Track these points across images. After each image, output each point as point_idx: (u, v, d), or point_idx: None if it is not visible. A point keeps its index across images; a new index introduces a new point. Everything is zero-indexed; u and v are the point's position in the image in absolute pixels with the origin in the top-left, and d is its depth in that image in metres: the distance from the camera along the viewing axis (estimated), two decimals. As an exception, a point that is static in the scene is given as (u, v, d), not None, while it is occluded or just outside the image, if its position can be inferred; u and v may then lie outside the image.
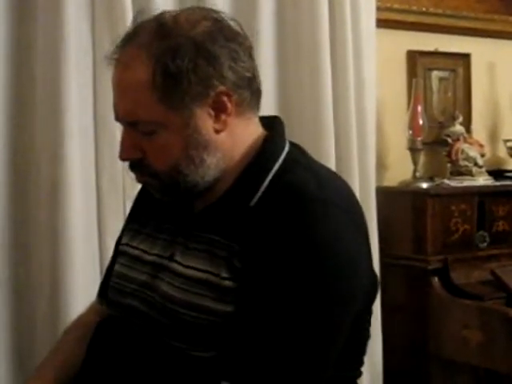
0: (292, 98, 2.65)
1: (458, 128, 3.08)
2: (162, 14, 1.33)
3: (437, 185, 2.91)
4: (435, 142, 3.13)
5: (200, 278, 1.29)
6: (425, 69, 3.16)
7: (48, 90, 2.21)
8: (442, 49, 3.18)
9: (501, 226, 2.91)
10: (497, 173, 3.11)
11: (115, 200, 2.29)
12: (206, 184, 1.33)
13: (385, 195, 2.86)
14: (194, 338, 1.28)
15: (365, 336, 1.43)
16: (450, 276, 2.71)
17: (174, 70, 1.26)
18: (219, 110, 1.30)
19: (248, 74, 1.32)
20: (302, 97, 2.64)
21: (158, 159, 1.31)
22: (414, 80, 3.03)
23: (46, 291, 2.21)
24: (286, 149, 1.37)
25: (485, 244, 2.86)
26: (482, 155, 3.07)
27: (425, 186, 2.89)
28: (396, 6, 3.05)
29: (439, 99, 3.21)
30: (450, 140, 3.05)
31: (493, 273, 2.74)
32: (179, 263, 1.33)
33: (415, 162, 2.95)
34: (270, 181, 1.31)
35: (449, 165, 3.05)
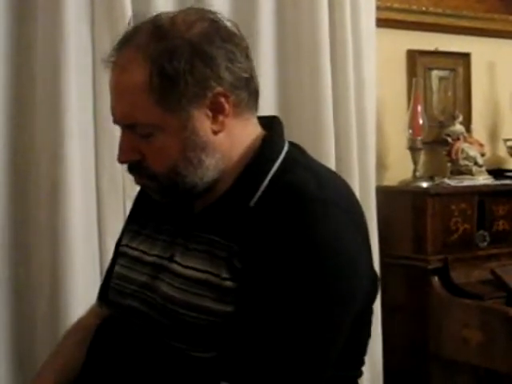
0: (292, 98, 2.65)
1: (458, 127, 3.08)
2: (159, 15, 1.33)
3: (437, 184, 2.91)
4: (435, 141, 3.13)
5: (200, 278, 1.29)
6: (425, 68, 3.16)
7: (48, 90, 2.21)
8: (441, 48, 3.18)
9: (501, 225, 2.92)
10: (497, 172, 3.11)
11: (115, 200, 2.29)
12: (205, 185, 1.33)
13: (385, 195, 2.86)
14: (194, 339, 1.28)
15: (365, 336, 1.43)
16: (450, 275, 2.71)
17: (170, 72, 1.26)
18: (217, 111, 1.30)
19: (245, 75, 1.32)
20: (302, 97, 2.64)
21: (156, 161, 1.31)
22: (413, 80, 3.03)
23: (45, 291, 2.21)
24: (286, 149, 1.37)
25: (485, 243, 2.87)
26: (482, 154, 3.07)
27: (425, 185, 2.89)
28: (396, 5, 3.05)
29: (439, 99, 3.21)
30: (450, 139, 3.05)
31: (493, 272, 2.74)
32: (179, 264, 1.33)
33: (415, 162, 2.95)
34: (270, 181, 1.31)
35: (449, 164, 3.05)
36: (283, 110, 2.61)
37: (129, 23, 1.36)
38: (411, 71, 3.14)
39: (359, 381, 1.45)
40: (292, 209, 1.24)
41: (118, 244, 1.56)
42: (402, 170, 3.01)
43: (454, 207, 2.78)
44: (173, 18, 1.31)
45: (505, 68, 3.38)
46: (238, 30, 1.35)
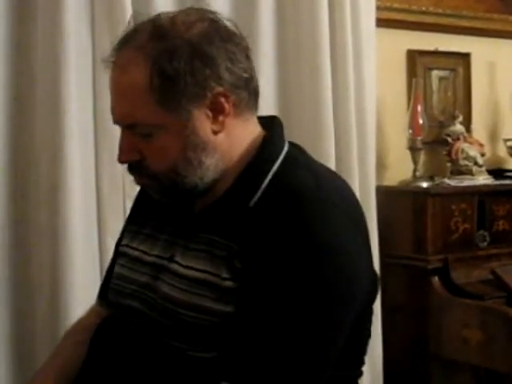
0: (292, 98, 2.65)
1: (458, 127, 3.08)
2: (159, 15, 1.33)
3: (437, 184, 2.90)
4: (435, 141, 3.13)
5: (200, 278, 1.29)
6: (425, 68, 3.16)
7: (48, 90, 2.21)
8: (441, 48, 3.18)
9: (501, 225, 2.92)
10: (497, 172, 3.11)
11: (115, 200, 2.29)
12: (205, 185, 1.33)
13: (385, 195, 2.86)
14: (194, 339, 1.28)
15: (365, 335, 1.43)
16: (450, 275, 2.71)
17: (170, 72, 1.26)
18: (217, 111, 1.30)
19: (245, 75, 1.32)
20: (302, 97, 2.64)
21: (157, 161, 1.31)
22: (413, 80, 3.03)
23: (45, 291, 2.21)
24: (286, 149, 1.37)
25: (485, 243, 2.87)
26: (482, 154, 3.07)
27: (425, 185, 2.89)
28: (396, 5, 3.05)
29: (439, 99, 3.21)
30: (450, 139, 3.05)
31: (493, 272, 2.74)
32: (179, 264, 1.33)
33: (415, 162, 2.95)
34: (270, 181, 1.31)
35: (449, 164, 3.05)
36: (283, 110, 2.61)
37: (129, 23, 1.36)
38: (411, 71, 3.14)
39: (359, 381, 1.45)
40: (292, 209, 1.24)
41: (118, 244, 1.56)
42: (402, 170, 3.01)
43: (454, 207, 2.78)
44: (173, 18, 1.31)
45: (505, 68, 3.38)
46: (238, 30, 1.35)
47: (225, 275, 1.26)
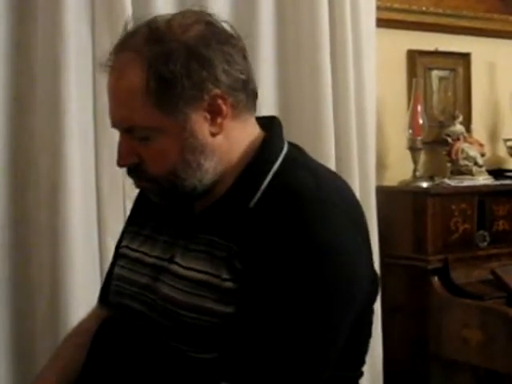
0: (292, 98, 2.65)
1: (458, 127, 3.08)
2: (155, 18, 1.33)
3: (437, 184, 2.90)
4: (435, 141, 3.13)
5: (200, 279, 1.29)
6: (425, 68, 3.16)
7: (48, 90, 2.21)
8: (441, 48, 3.18)
9: (501, 225, 2.92)
10: (497, 172, 3.11)
11: (115, 200, 2.29)
12: (204, 187, 1.33)
13: (385, 195, 2.86)
14: (195, 340, 1.28)
15: (366, 336, 1.43)
16: (450, 275, 2.71)
17: (167, 75, 1.26)
18: (215, 113, 1.30)
19: (242, 76, 1.32)
20: (302, 97, 2.64)
21: (155, 164, 1.31)
22: (413, 80, 3.03)
23: (45, 291, 2.21)
24: (285, 149, 1.37)
25: (485, 243, 2.87)
26: (482, 155, 3.07)
27: (425, 185, 2.89)
28: (396, 5, 3.05)
29: (439, 99, 3.21)
30: (450, 139, 3.05)
31: (493, 272, 2.74)
32: (180, 265, 1.33)
33: (415, 162, 2.95)
34: (270, 182, 1.31)
35: (449, 164, 3.05)
36: (283, 110, 2.61)
37: (125, 25, 1.35)
38: (411, 71, 3.14)
39: (360, 381, 1.45)
40: (291, 209, 1.24)
41: (118, 246, 1.56)
42: (402, 170, 3.01)
43: (454, 207, 2.78)
44: (169, 21, 1.31)
45: (505, 68, 3.38)
46: (235, 31, 1.35)
47: (225, 276, 1.26)
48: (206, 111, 1.30)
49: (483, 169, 3.03)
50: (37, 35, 2.23)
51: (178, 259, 1.34)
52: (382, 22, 2.86)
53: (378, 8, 2.84)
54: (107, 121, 2.19)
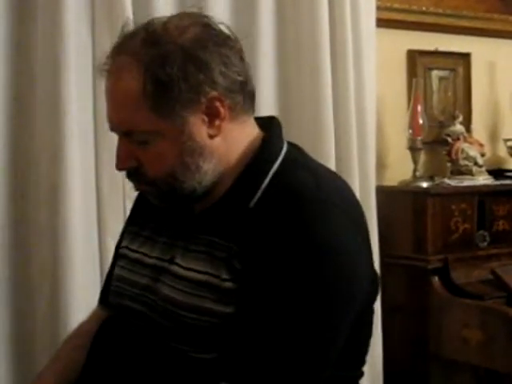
0: (292, 98, 2.65)
1: (458, 127, 3.08)
2: (152, 21, 1.32)
3: (437, 184, 2.90)
4: (435, 141, 3.13)
5: (200, 279, 1.29)
6: (425, 68, 3.16)
7: (48, 90, 2.21)
8: (441, 48, 3.18)
9: (501, 225, 2.92)
10: (497, 172, 3.11)
11: (115, 200, 2.29)
12: (204, 189, 1.33)
13: (385, 195, 2.86)
14: (195, 340, 1.28)
15: (366, 335, 1.43)
16: (450, 275, 2.71)
17: (164, 78, 1.26)
18: (212, 115, 1.30)
19: (240, 78, 1.32)
20: (302, 97, 2.64)
21: (154, 167, 1.31)
22: (414, 80, 3.03)
23: (45, 291, 2.21)
24: (285, 149, 1.37)
25: (485, 243, 2.87)
26: (482, 155, 3.07)
27: (425, 185, 2.89)
28: (396, 5, 3.05)
29: (439, 99, 3.21)
30: (450, 139, 3.05)
31: (493, 272, 2.74)
32: (180, 266, 1.33)
33: (415, 162, 2.95)
34: (269, 182, 1.31)
35: (449, 164, 3.05)
36: (283, 110, 2.61)
37: (123, 28, 1.35)
38: (411, 71, 3.14)
39: (360, 381, 1.45)
40: (291, 209, 1.24)
41: (118, 246, 1.56)
42: (402, 169, 3.01)
43: (454, 207, 2.78)
44: (165, 24, 1.30)
45: (505, 68, 3.38)
46: (232, 33, 1.35)
47: (225, 276, 1.26)
48: (204, 114, 1.29)
49: (483, 169, 3.03)
50: (37, 35, 2.23)
51: (178, 260, 1.34)
52: (381, 22, 2.86)
53: (378, 8, 2.84)
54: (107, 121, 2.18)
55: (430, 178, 2.97)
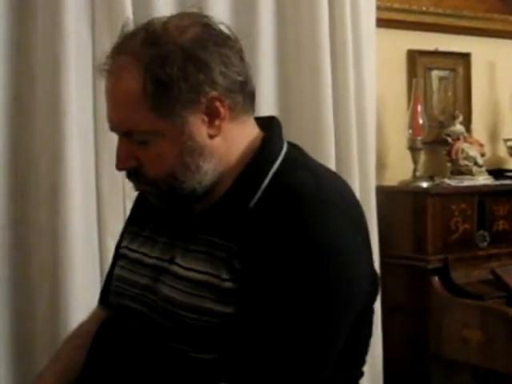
0: (292, 98, 2.65)
1: (458, 127, 3.08)
2: (152, 21, 1.32)
3: (437, 184, 2.90)
4: (435, 141, 3.13)
5: (200, 279, 1.29)
6: (425, 68, 3.16)
7: (48, 90, 2.21)
8: (442, 48, 3.18)
9: (501, 225, 2.92)
10: (497, 172, 3.11)
11: (115, 200, 2.29)
12: (204, 189, 1.33)
13: (385, 195, 2.86)
14: (195, 340, 1.28)
15: (366, 335, 1.43)
16: (450, 275, 2.71)
17: (164, 78, 1.26)
18: (212, 115, 1.30)
19: (240, 78, 1.32)
20: (302, 97, 2.64)
21: (154, 167, 1.31)
22: (414, 80, 3.03)
23: (45, 291, 2.21)
24: (285, 149, 1.37)
25: (485, 243, 2.87)
26: (482, 155, 3.07)
27: (425, 185, 2.89)
28: (396, 5, 3.05)
29: (439, 99, 3.21)
30: (450, 139, 3.05)
31: (493, 272, 2.74)
32: (180, 266, 1.33)
33: (415, 162, 2.95)
34: (269, 182, 1.31)
35: (449, 164, 3.05)
36: (283, 110, 2.61)
37: (123, 28, 1.35)
38: (411, 71, 3.14)
39: (360, 381, 1.45)
40: (291, 209, 1.24)
41: (118, 246, 1.56)
42: (402, 169, 3.01)
43: (454, 207, 2.78)
44: (165, 24, 1.30)
45: (505, 68, 3.38)
46: (232, 33, 1.35)
47: (225, 276, 1.26)
48: (204, 114, 1.29)
49: (483, 169, 3.03)
50: (37, 35, 2.23)
51: (178, 260, 1.34)
52: (381, 22, 2.86)
53: (378, 8, 2.84)
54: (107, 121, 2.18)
55: (430, 178, 2.97)
